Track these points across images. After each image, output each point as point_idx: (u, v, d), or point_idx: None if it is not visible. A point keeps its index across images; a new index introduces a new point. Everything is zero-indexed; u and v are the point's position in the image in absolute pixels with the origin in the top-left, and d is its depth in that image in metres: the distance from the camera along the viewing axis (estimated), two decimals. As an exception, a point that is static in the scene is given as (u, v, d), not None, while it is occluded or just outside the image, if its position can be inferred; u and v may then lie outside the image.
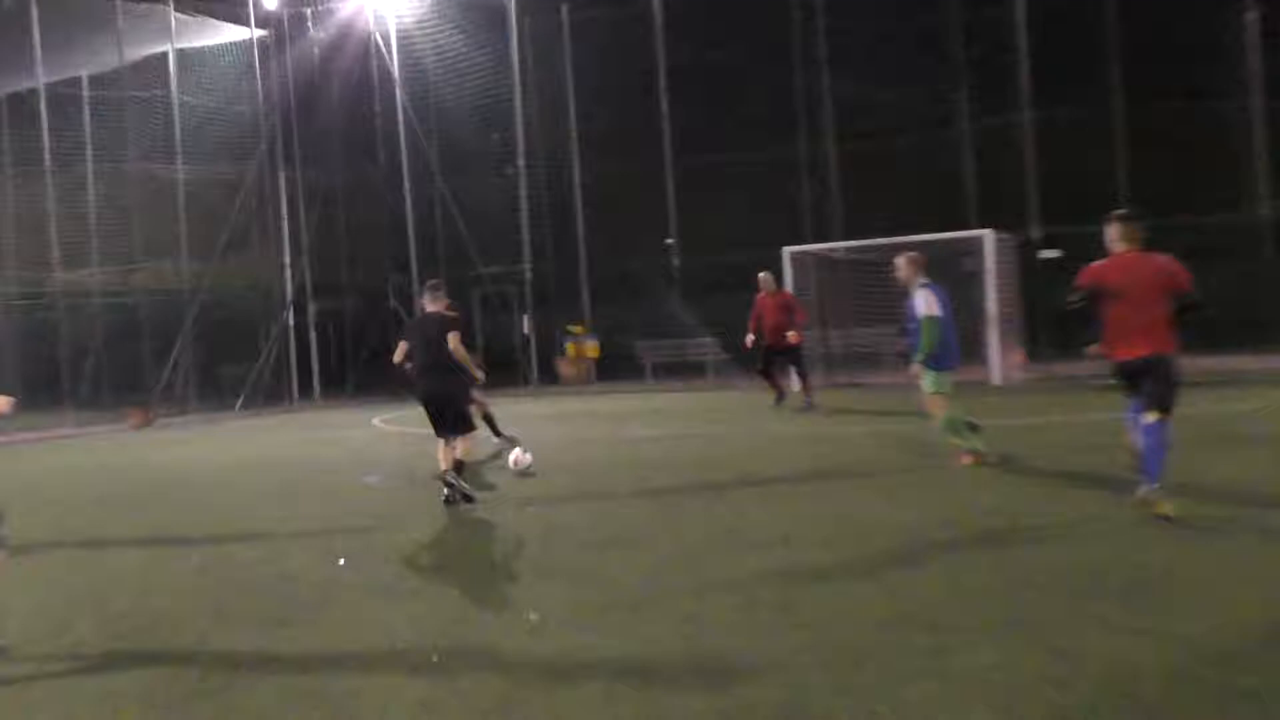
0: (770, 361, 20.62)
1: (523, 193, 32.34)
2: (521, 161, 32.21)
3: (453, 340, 11.68)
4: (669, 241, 31.29)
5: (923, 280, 12.57)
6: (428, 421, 11.87)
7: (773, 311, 20.29)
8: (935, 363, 12.50)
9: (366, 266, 33.89)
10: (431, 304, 12.21)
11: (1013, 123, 27.84)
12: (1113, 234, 9.22)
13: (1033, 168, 27.20)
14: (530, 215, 32.47)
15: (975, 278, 25.42)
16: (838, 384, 25.36)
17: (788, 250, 25.78)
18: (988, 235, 23.86)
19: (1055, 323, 25.53)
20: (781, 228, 28.88)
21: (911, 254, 12.77)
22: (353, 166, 33.46)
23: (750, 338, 20.54)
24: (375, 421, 23.28)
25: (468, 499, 11.26)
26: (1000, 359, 23.62)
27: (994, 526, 8.74)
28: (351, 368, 32.75)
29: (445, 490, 11.29)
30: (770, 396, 20.73)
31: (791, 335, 20.25)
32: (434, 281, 12.60)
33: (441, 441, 11.82)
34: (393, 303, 32.01)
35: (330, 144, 32.77)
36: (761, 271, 20.88)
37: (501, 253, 32.50)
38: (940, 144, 29.65)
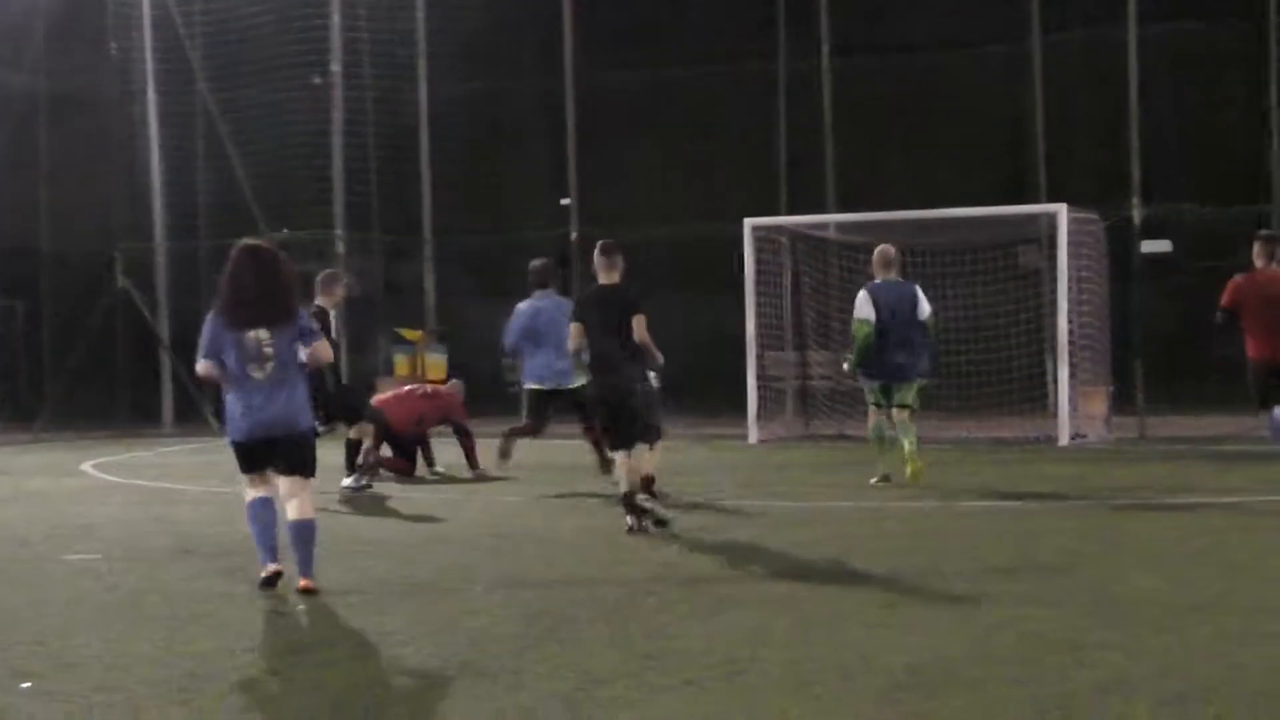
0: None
1: (336, 118, 31.99)
2: (336, 66, 31.85)
3: (639, 324, 14.05)
4: (565, 202, 31.11)
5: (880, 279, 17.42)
6: (601, 428, 14.89)
7: None
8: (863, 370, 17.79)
9: (81, 225, 33.32)
10: (606, 274, 14.50)
11: (1110, 40, 27.96)
12: (1257, 251, 10.55)
13: (1137, 112, 27.25)
14: (347, 154, 32.11)
15: (1036, 278, 25.54)
16: (817, 436, 25.31)
17: (750, 223, 25.67)
18: (1060, 213, 23.93)
19: (1162, 352, 25.67)
20: (742, 189, 28.88)
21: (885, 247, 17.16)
22: (66, 63, 32.90)
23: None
24: (87, 467, 23.17)
25: (660, 523, 13.83)
26: (1072, 406, 23.67)
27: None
28: (51, 382, 32.13)
29: (630, 519, 13.83)
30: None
31: None
32: (608, 243, 14.77)
33: (622, 454, 14.18)
34: (122, 282, 31.39)
35: (28, 23, 32.19)
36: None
37: (302, 211, 32.14)
38: (995, 68, 29.83)
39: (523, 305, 19.38)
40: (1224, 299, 17.04)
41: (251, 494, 11.66)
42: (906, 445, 17.61)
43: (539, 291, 18.93)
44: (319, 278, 18.57)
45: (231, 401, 11.58)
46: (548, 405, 19.38)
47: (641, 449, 14.20)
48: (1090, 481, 18.82)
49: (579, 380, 17.24)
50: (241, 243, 12.03)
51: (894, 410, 17.80)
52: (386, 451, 20.50)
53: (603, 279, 14.59)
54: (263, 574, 11.39)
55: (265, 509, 11.59)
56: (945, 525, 14.93)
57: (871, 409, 18.21)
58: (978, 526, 14.73)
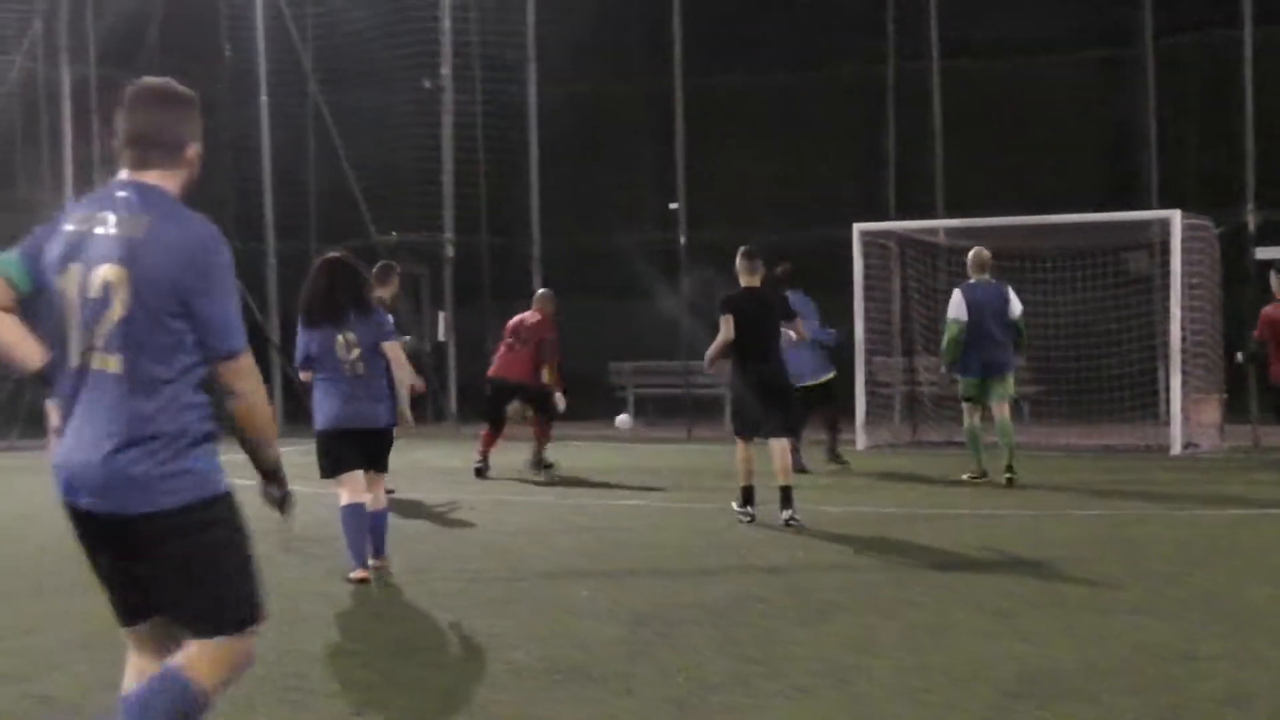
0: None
1: (446, 122, 32.16)
2: (446, 70, 32.02)
3: (798, 326, 15.92)
4: (673, 207, 31.13)
5: (974, 280, 18.87)
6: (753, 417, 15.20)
7: None
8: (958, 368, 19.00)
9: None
10: (749, 277, 15.49)
11: (1224, 43, 27.68)
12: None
13: (1253, 115, 26.98)
14: (457, 157, 32.29)
15: (1147, 284, 25.32)
16: (924, 442, 25.19)
17: (859, 228, 25.61)
18: (1174, 219, 23.70)
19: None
20: (850, 192, 28.81)
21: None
22: (180, 64, 33.13)
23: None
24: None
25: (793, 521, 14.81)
26: (1184, 414, 23.44)
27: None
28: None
29: (745, 510, 15.16)
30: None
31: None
32: (750, 248, 15.70)
33: (744, 446, 15.23)
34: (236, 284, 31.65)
35: (143, 28, 32.50)
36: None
37: (411, 214, 32.34)
38: (1107, 71, 29.62)
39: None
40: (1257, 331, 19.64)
41: (345, 499, 12.26)
42: (1007, 450, 18.62)
43: (790, 292, 19.05)
44: (374, 270, 18.80)
45: (319, 395, 12.81)
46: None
47: (780, 442, 15.14)
48: (1203, 490, 18.61)
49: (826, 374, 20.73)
50: (319, 258, 13.44)
51: (994, 405, 18.95)
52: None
53: (744, 281, 15.53)
54: (352, 575, 11.93)
55: (359, 515, 12.20)
56: (1056, 533, 14.80)
57: (966, 407, 19.25)
58: (1088, 535, 14.62)
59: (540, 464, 21.25)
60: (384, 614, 10.83)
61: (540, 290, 22.28)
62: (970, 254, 19.39)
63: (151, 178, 5.87)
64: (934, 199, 29.29)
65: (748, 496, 15.25)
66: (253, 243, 32.43)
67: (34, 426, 29.33)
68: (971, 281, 19.17)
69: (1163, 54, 28.87)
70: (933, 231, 26.85)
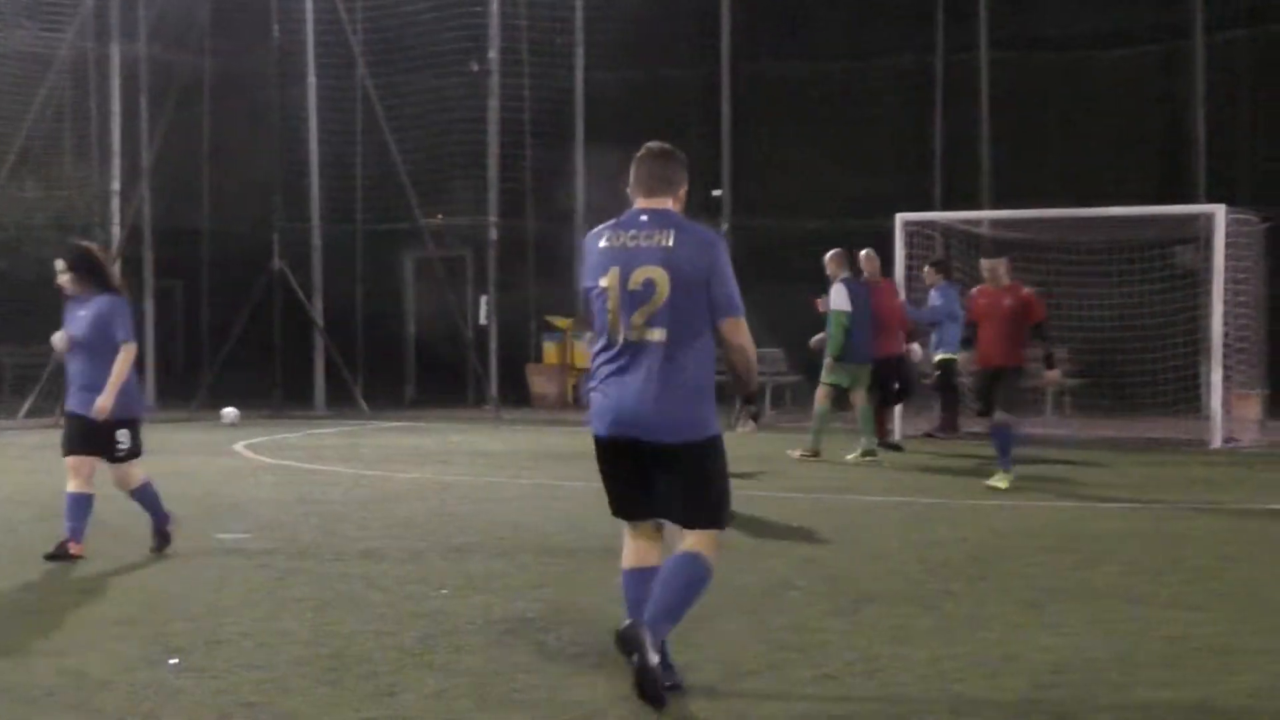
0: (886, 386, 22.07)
1: (492, 106, 32.20)
2: (494, 53, 32.04)
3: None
4: (716, 193, 31.12)
5: (844, 275, 20.57)
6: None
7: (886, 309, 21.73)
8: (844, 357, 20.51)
9: (241, 204, 33.73)
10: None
11: (1274, 36, 27.59)
12: None
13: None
14: (503, 141, 32.32)
15: (1192, 279, 25.21)
16: (964, 434, 25.12)
17: (901, 218, 25.54)
18: (1218, 213, 23.58)
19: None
20: (895, 182, 28.75)
21: (836, 251, 20.76)
22: (229, 45, 33.29)
23: None
24: (239, 448, 23.42)
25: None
26: (1225, 409, 23.34)
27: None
28: (209, 362, 32.55)
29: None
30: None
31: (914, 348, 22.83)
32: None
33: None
34: (278, 264, 31.72)
35: (194, 9, 32.63)
36: (865, 249, 21.14)
37: (455, 196, 32.41)
38: (1157, 63, 29.50)
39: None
40: None
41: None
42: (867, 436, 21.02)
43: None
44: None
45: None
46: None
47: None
48: (1242, 486, 18.56)
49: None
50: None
51: (857, 393, 21.02)
52: None
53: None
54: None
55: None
56: (1093, 526, 14.76)
57: (826, 390, 20.92)
58: (1126, 527, 14.57)
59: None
60: (418, 595, 10.84)
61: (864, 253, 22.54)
62: (836, 254, 20.97)
63: (663, 204, 8.13)
64: (979, 191, 29.22)
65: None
66: (299, 224, 32.52)
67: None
68: (847, 277, 20.75)
69: (1214, 49, 28.79)
70: (977, 223, 26.77)
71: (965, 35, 30.20)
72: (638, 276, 7.86)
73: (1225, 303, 23.33)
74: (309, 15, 32.64)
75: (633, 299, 7.86)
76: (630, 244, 7.98)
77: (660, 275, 7.82)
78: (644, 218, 8.06)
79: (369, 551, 12.73)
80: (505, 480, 18.85)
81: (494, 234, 31.98)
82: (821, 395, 20.90)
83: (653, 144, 8.51)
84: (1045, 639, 9.32)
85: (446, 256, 32.81)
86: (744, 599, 10.54)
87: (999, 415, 17.33)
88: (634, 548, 8.29)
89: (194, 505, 16.35)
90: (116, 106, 31.77)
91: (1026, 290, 17.96)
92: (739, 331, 7.95)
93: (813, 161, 31.58)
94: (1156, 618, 9.98)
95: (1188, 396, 25.12)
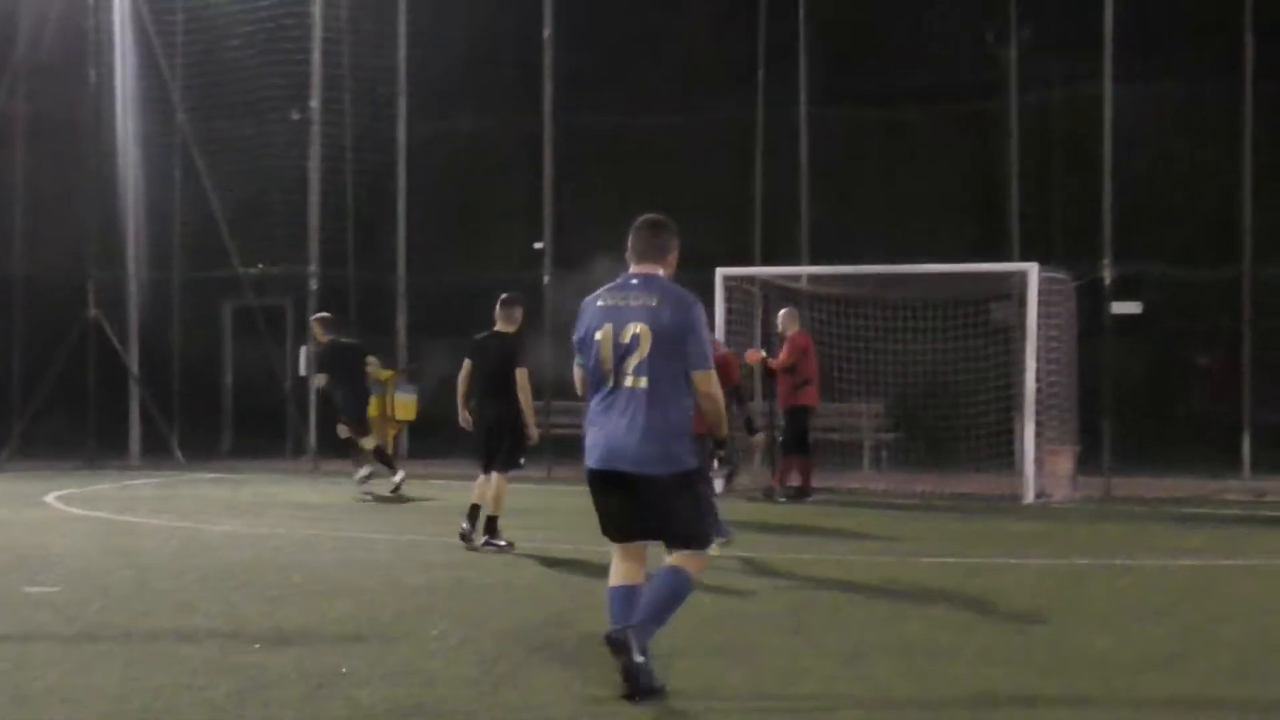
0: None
1: (314, 154, 32.01)
2: (315, 102, 31.86)
3: None
4: (538, 246, 31.10)
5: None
6: None
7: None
8: None
9: (56, 251, 33.22)
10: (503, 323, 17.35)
11: (1085, 99, 28.03)
12: None
13: (1111, 171, 27.17)
14: (324, 190, 32.13)
15: (1006, 335, 25.61)
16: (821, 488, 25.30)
17: (722, 272, 25.74)
18: (1031, 271, 24.00)
19: (1129, 411, 25.73)
20: (716, 236, 28.89)
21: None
22: (45, 88, 32.83)
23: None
24: (50, 499, 23.10)
25: None
26: (1037, 464, 23.71)
27: None
28: (17, 413, 32.01)
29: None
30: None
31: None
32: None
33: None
34: (93, 312, 31.31)
35: (8, 47, 32.13)
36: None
37: (274, 245, 32.12)
38: (973, 121, 29.96)
39: None
40: None
41: None
42: None
43: None
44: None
45: None
46: None
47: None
48: (1053, 540, 18.87)
49: None
50: None
51: None
52: None
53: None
54: None
55: None
56: (905, 578, 14.93)
57: None
58: (938, 581, 14.77)
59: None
60: (230, 648, 10.75)
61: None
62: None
63: (653, 270, 9.54)
64: (799, 245, 29.49)
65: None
66: (114, 271, 32.11)
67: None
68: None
69: (1027, 108, 29.32)
70: (796, 278, 27.03)
71: (785, 90, 30.47)
72: (627, 331, 9.16)
73: (1038, 359, 23.72)
74: (126, 59, 32.28)
75: (622, 350, 9.15)
76: (622, 303, 9.30)
77: (645, 331, 9.13)
78: (635, 281, 9.47)
79: (181, 604, 12.62)
80: (321, 533, 18.73)
81: (314, 283, 31.74)
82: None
83: (648, 216, 9.85)
84: (859, 691, 9.45)
85: (266, 306, 32.54)
86: (558, 653, 10.58)
87: None
88: (621, 568, 9.40)
89: (1, 556, 16.13)
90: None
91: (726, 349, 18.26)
92: (708, 382, 9.22)
93: (634, 214, 31.63)
94: (965, 670, 10.16)
95: (1001, 451, 25.44)
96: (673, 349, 9.14)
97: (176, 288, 33.18)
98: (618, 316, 9.27)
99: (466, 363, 17.39)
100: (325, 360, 25.04)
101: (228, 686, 9.47)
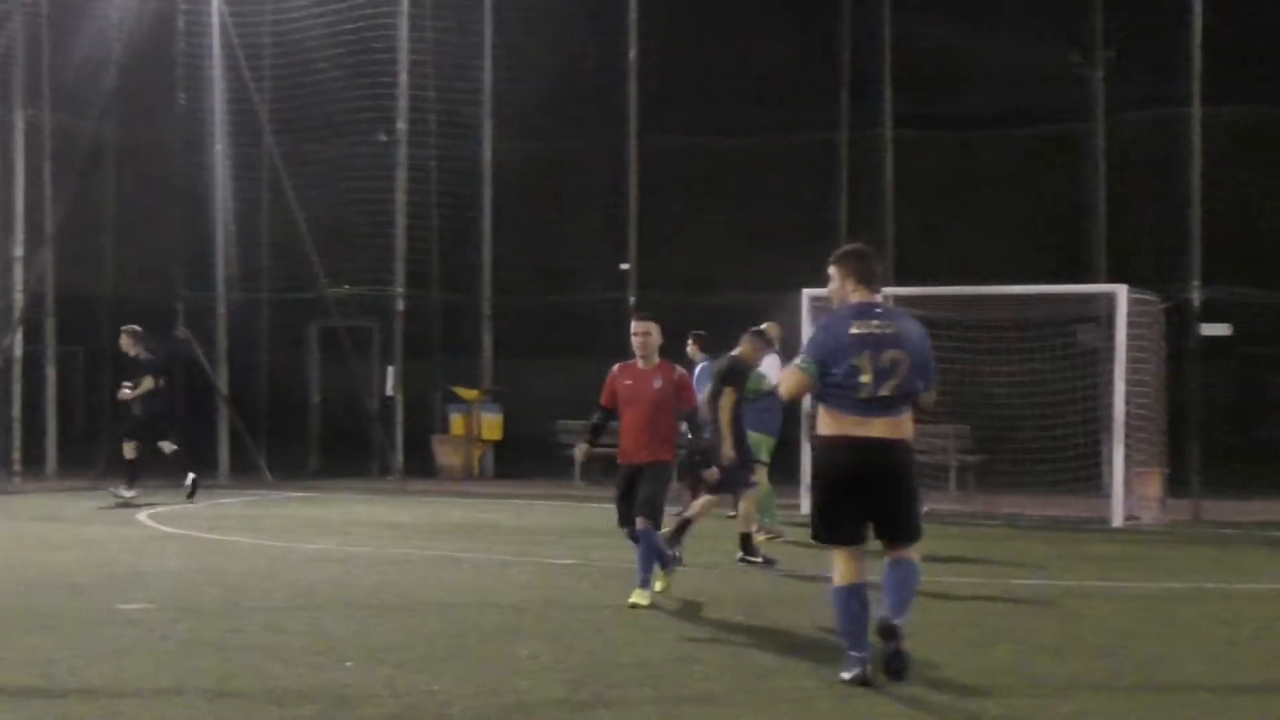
0: None
1: (400, 176, 32.17)
2: (402, 124, 32.05)
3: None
4: (624, 267, 31.18)
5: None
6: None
7: None
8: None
9: (146, 273, 33.55)
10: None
11: (1174, 119, 27.87)
12: None
13: (1200, 194, 27.01)
14: (410, 211, 32.29)
15: (1093, 357, 25.46)
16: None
17: (808, 293, 25.67)
18: (1120, 293, 23.85)
19: (1218, 434, 25.53)
20: (799, 257, 28.87)
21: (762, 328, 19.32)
22: (135, 112, 33.13)
23: None
24: (142, 517, 23.20)
25: None
26: (1126, 487, 23.54)
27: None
28: (108, 433, 32.27)
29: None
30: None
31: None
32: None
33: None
34: (183, 333, 31.60)
35: (100, 73, 32.46)
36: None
37: (361, 267, 32.33)
38: (1059, 144, 29.83)
39: None
40: None
41: None
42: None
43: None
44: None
45: None
46: None
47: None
48: (1142, 563, 18.74)
49: None
50: None
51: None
52: None
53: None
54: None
55: None
56: (992, 603, 14.87)
57: (762, 469, 19.64)
58: (1026, 605, 14.69)
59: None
60: (320, 666, 10.81)
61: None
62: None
63: (879, 297, 10.62)
64: (885, 266, 29.40)
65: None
66: (203, 292, 32.37)
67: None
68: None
69: (1114, 129, 29.19)
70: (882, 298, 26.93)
71: (869, 113, 30.46)
72: (886, 357, 10.23)
73: (1126, 381, 23.56)
74: (216, 83, 32.55)
75: (884, 373, 10.21)
76: (876, 330, 10.29)
77: (902, 356, 10.27)
78: (878, 309, 10.50)
79: (270, 623, 12.70)
80: (409, 551, 18.79)
81: (400, 304, 31.91)
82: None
83: (858, 246, 10.88)
84: (948, 717, 9.42)
85: (352, 326, 32.73)
86: (648, 673, 10.56)
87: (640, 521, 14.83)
88: (856, 567, 10.39)
89: (95, 574, 16.27)
90: (20, 173, 31.56)
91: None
92: (934, 397, 10.65)
93: (719, 235, 31.73)
94: (1056, 699, 10.08)
95: (1090, 474, 25.27)
96: (917, 368, 10.30)
97: (264, 308, 33.42)
98: (874, 343, 10.24)
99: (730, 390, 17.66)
100: (134, 373, 25.61)
101: (317, 705, 9.52)
